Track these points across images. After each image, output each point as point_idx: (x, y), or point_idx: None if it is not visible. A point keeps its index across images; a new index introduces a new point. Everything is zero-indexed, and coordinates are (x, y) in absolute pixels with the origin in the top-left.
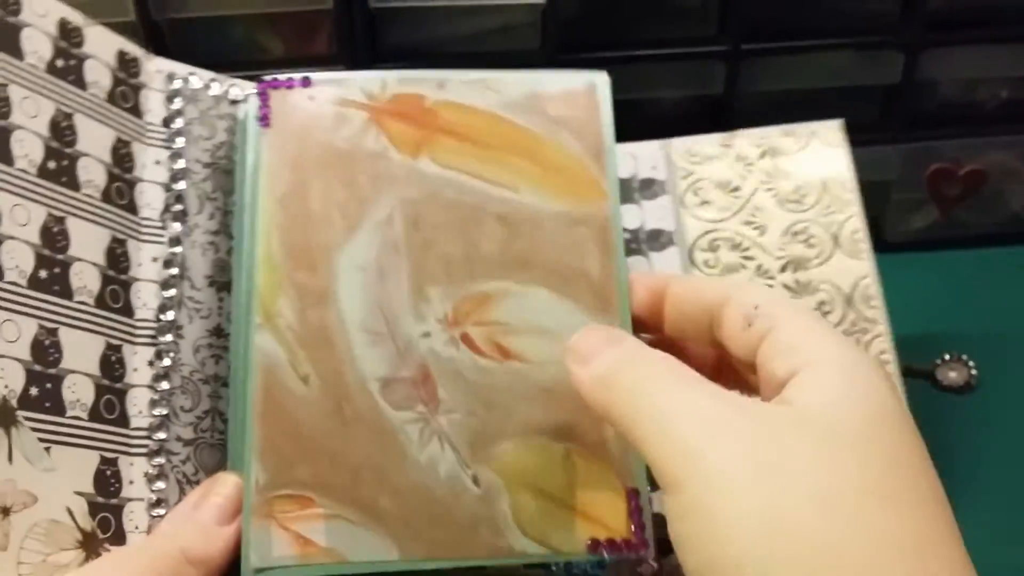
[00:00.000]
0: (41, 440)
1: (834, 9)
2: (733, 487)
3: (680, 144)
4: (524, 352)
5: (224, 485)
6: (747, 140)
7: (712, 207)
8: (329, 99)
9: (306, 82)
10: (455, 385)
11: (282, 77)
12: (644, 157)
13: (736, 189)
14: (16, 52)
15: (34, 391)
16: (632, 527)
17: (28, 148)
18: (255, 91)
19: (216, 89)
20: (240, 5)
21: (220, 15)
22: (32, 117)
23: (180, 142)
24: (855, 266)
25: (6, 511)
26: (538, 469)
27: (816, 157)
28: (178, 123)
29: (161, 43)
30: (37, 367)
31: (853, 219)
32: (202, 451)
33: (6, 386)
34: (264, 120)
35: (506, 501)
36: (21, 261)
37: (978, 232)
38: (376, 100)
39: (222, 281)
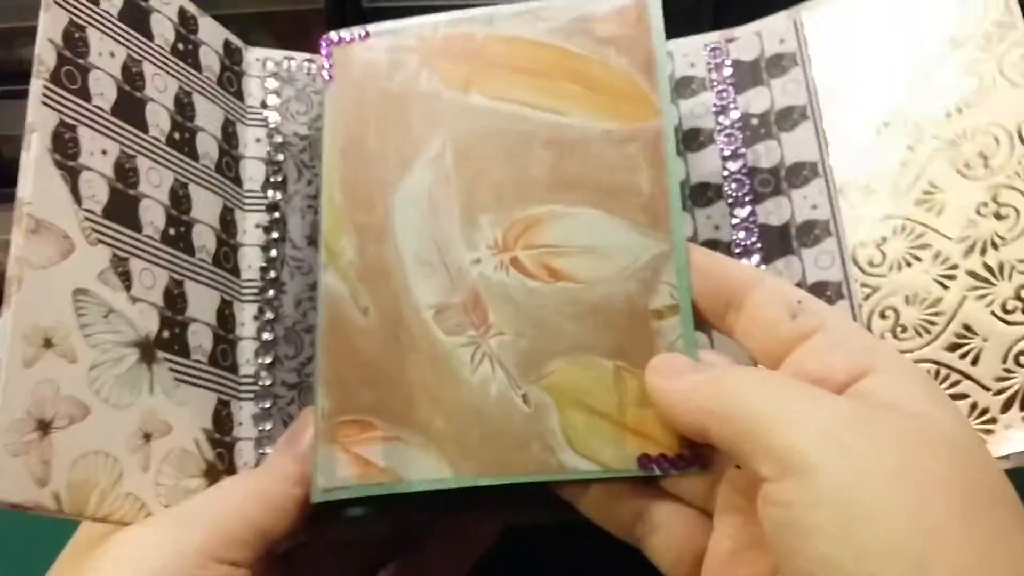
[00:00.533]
0: (174, 379)
1: None
2: (883, 481)
3: (808, 6)
4: (573, 272)
5: (307, 419)
6: None
7: (850, 66)
8: (385, 47)
9: (365, 36)
10: (505, 308)
11: (344, 33)
12: (769, 32)
13: (878, 42)
14: (147, 33)
15: (166, 334)
16: (684, 442)
17: (159, 119)
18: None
19: (311, 67)
20: (232, 4)
21: (212, 14)
22: (161, 92)
23: (275, 120)
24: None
25: (148, 437)
26: (588, 386)
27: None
28: (274, 102)
29: None
30: (168, 313)
31: (1016, 46)
32: (306, 393)
33: (146, 328)
34: (329, 74)
35: (556, 418)
36: (155, 218)
37: None
38: (428, 42)
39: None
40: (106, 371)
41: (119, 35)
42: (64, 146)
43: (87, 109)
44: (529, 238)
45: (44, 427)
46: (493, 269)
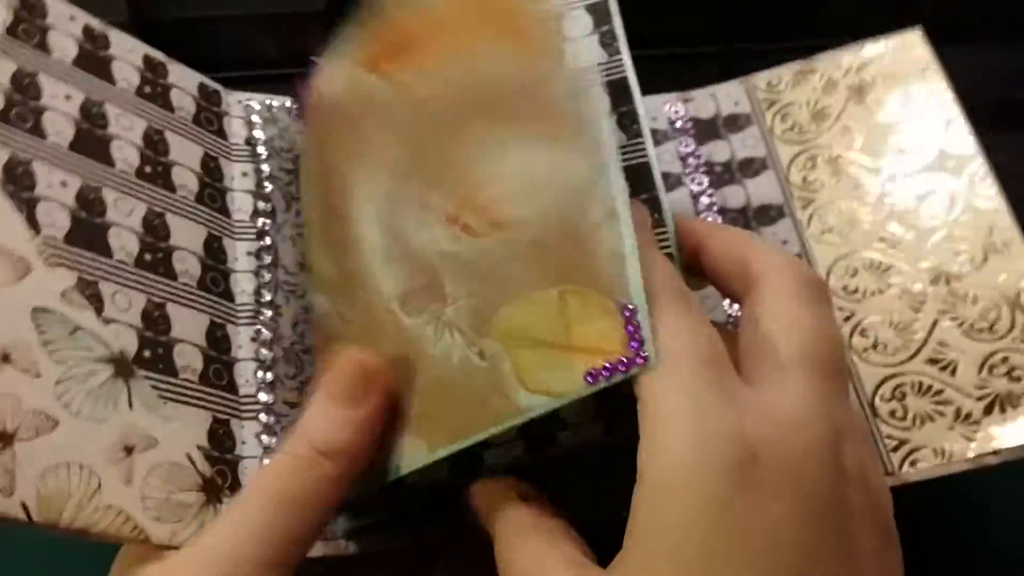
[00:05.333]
0: (158, 396)
1: (831, 8)
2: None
3: (760, 78)
4: (512, 216)
5: (340, 367)
6: (827, 61)
7: (802, 128)
8: (333, 67)
9: (320, 68)
10: (459, 275)
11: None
12: (725, 96)
13: (825, 108)
14: (108, 78)
15: (147, 353)
16: (630, 343)
17: (126, 153)
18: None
19: (291, 107)
20: (233, 6)
21: (213, 15)
22: (127, 130)
23: (263, 155)
24: (963, 146)
25: (129, 450)
26: (533, 321)
27: (902, 68)
28: (260, 139)
29: (154, 43)
30: (149, 333)
31: (954, 122)
32: None
33: (121, 345)
34: (300, 114)
35: (508, 363)
36: (127, 244)
37: None
38: (363, 46)
39: None
40: (75, 385)
41: (74, 80)
42: (17, 179)
43: (42, 145)
44: (473, 199)
45: (6, 439)
46: (448, 242)
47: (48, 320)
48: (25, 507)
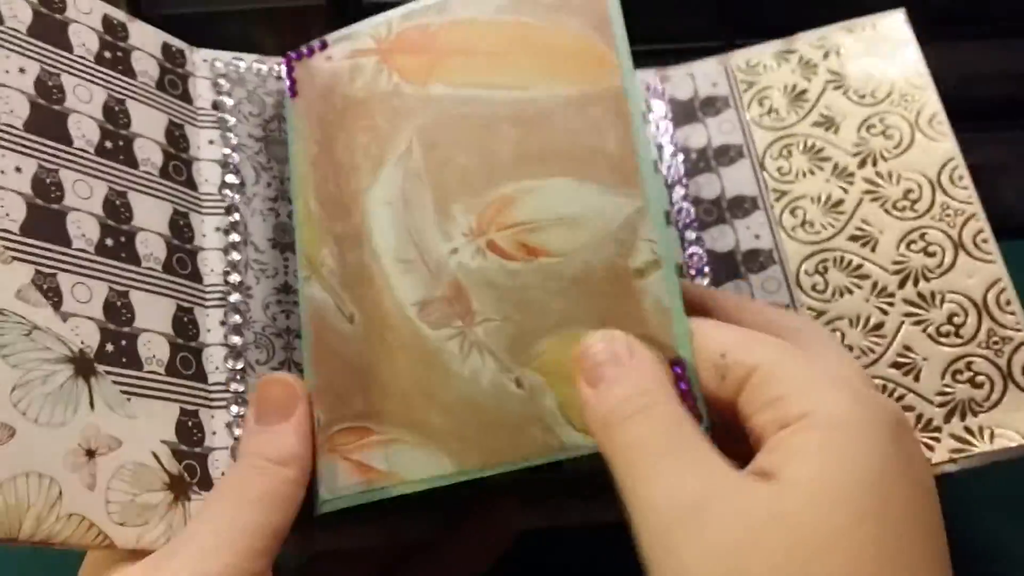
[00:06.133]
0: (121, 392)
1: (832, 4)
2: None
3: (740, 56)
4: (550, 246)
5: (266, 390)
6: (808, 42)
7: (779, 114)
8: (343, 54)
9: (323, 45)
10: (487, 294)
11: (304, 47)
12: (703, 75)
13: (803, 92)
14: (65, 45)
15: (110, 347)
16: (684, 400)
17: (84, 129)
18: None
19: (261, 69)
20: (232, 1)
21: (212, 10)
22: (85, 102)
23: (231, 121)
24: (939, 148)
25: (91, 453)
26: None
27: (882, 49)
28: (227, 104)
29: None
30: (111, 325)
31: (929, 104)
32: None
33: (82, 342)
34: (292, 91)
35: (551, 398)
36: (87, 231)
37: None
38: (384, 42)
39: (285, 242)
40: (32, 390)
41: (28, 50)
42: None
43: None
44: (502, 218)
45: None
46: (471, 256)
47: (3, 323)
48: None
